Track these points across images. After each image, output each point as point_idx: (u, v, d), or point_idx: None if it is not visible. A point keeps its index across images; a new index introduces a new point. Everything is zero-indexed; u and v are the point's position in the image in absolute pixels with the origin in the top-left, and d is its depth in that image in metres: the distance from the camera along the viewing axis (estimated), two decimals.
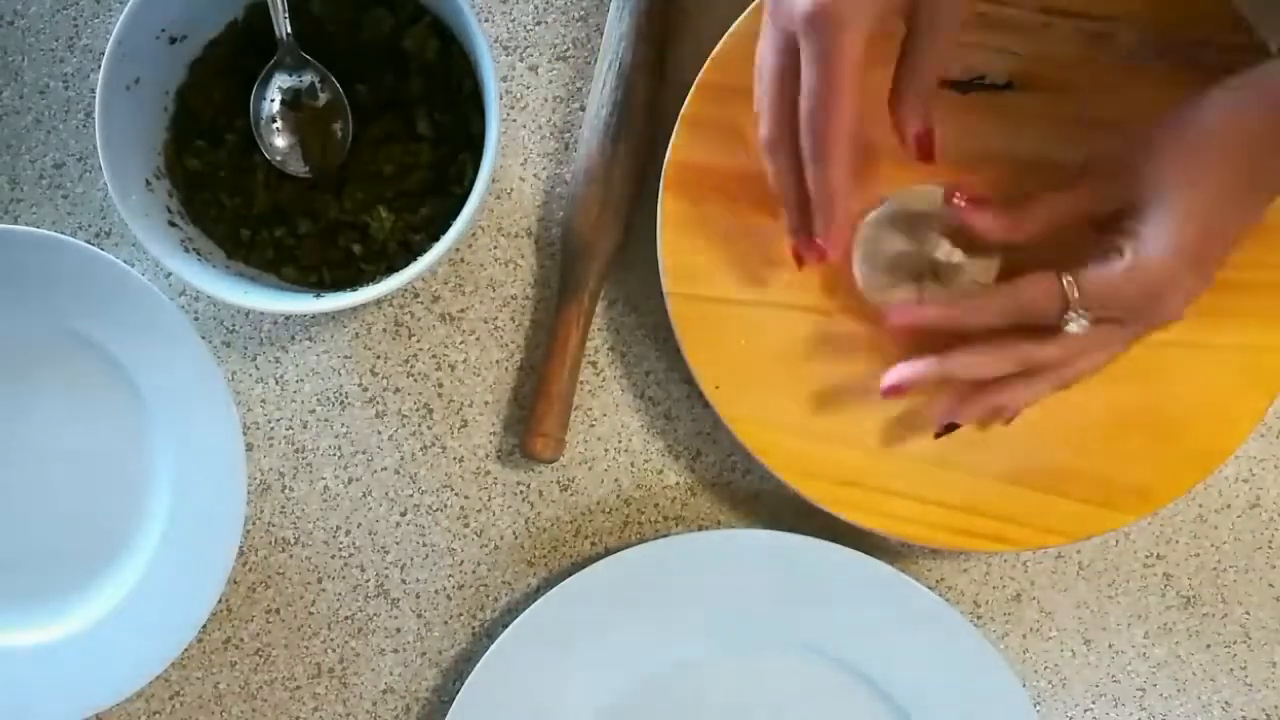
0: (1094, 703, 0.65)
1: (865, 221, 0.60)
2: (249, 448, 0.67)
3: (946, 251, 0.58)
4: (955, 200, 0.57)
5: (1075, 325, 0.54)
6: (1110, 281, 0.53)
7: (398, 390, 0.66)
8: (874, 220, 0.60)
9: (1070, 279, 0.54)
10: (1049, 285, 0.54)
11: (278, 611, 0.67)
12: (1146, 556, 0.65)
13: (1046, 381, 0.57)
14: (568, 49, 0.67)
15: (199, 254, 0.61)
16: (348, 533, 0.67)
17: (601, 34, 0.65)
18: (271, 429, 0.67)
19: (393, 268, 0.61)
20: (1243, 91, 0.53)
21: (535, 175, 0.67)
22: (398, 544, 0.66)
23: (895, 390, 0.58)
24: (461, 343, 0.66)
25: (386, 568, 0.66)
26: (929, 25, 0.53)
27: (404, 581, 0.66)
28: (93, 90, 0.60)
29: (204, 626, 0.65)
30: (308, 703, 0.67)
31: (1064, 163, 0.59)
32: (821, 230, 0.55)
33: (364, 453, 0.67)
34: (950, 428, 0.59)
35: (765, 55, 0.54)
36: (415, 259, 0.59)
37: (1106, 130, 0.59)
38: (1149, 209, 0.53)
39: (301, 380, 0.67)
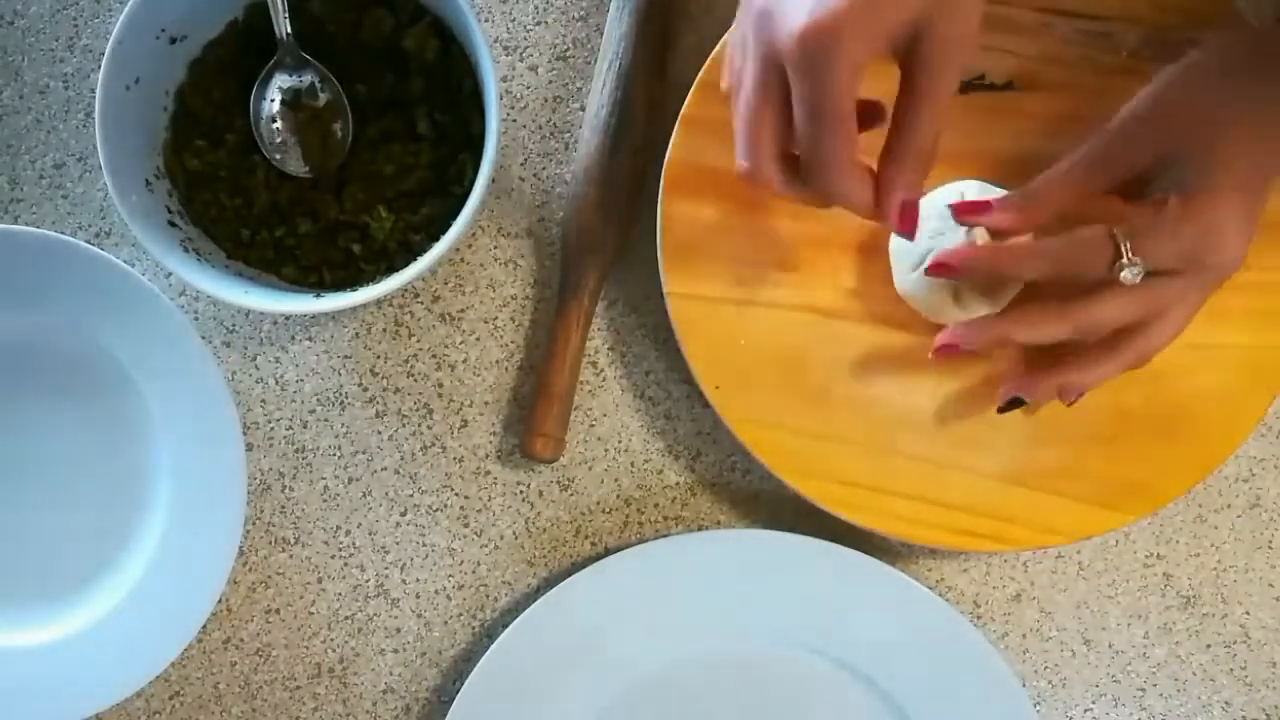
0: (1094, 703, 0.65)
1: None
2: (249, 448, 0.67)
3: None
4: (956, 211, 0.56)
5: (1128, 273, 0.52)
6: (1162, 225, 0.52)
7: (398, 390, 0.66)
8: None
9: (1120, 229, 0.52)
10: (1098, 232, 0.52)
11: (278, 611, 0.67)
12: (1146, 556, 0.65)
13: (1118, 356, 0.55)
14: (568, 49, 0.67)
15: (199, 254, 0.61)
16: (348, 533, 0.67)
17: (601, 34, 0.65)
18: (271, 429, 0.67)
19: (393, 268, 0.61)
20: (1232, 45, 0.53)
21: (535, 175, 0.67)
22: (398, 544, 0.66)
23: (948, 349, 0.57)
24: (461, 343, 0.66)
25: (386, 568, 0.66)
26: (929, 87, 0.48)
27: (404, 581, 0.66)
28: (93, 90, 0.60)
29: (204, 626, 0.65)
30: (308, 703, 0.67)
31: None
32: (877, 213, 0.52)
33: (364, 453, 0.67)
34: (1015, 403, 0.58)
35: (743, 77, 0.50)
36: (415, 259, 0.59)
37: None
38: (1186, 154, 0.52)
39: (301, 380, 0.67)
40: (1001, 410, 0.59)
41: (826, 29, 0.45)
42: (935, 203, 0.60)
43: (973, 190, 0.59)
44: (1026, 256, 0.55)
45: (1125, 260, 0.52)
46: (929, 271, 0.57)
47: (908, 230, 0.52)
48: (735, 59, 0.52)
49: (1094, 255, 0.53)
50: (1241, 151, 0.52)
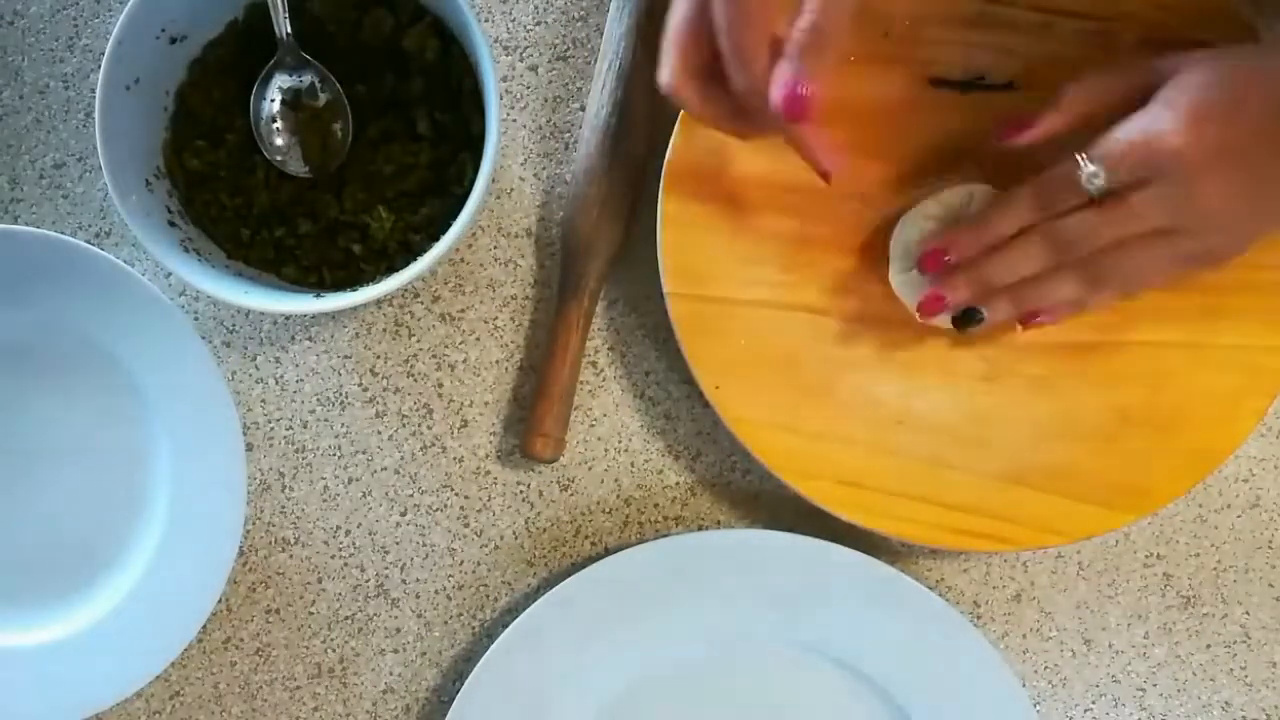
0: (1094, 703, 0.65)
1: (900, 223, 0.60)
2: (249, 448, 0.67)
3: None
4: (1001, 137, 0.56)
5: (1088, 172, 0.53)
6: (1125, 130, 0.53)
7: (398, 390, 0.66)
8: (908, 221, 0.60)
9: (1086, 150, 0.54)
10: (1066, 156, 0.54)
11: (278, 611, 0.67)
12: (1146, 556, 0.65)
13: (1080, 272, 0.56)
14: (568, 49, 0.67)
15: (199, 254, 0.61)
16: (348, 533, 0.67)
17: (601, 34, 0.65)
18: (271, 429, 0.67)
19: (393, 268, 0.61)
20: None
21: (535, 175, 0.67)
22: (398, 544, 0.66)
23: (934, 303, 0.57)
24: (461, 343, 0.66)
25: (386, 568, 0.66)
26: None
27: (404, 581, 0.66)
28: (93, 90, 0.60)
29: (204, 626, 0.65)
30: (308, 703, 0.67)
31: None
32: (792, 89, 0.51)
33: (364, 453, 0.67)
34: (970, 317, 0.58)
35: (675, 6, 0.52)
36: (415, 259, 0.59)
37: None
38: (1169, 82, 0.53)
39: (301, 380, 0.67)
40: (958, 324, 0.58)
41: None
42: (936, 204, 0.60)
43: (980, 194, 0.59)
44: (1006, 209, 0.56)
45: (1086, 164, 0.53)
46: (921, 265, 0.57)
47: (795, 115, 0.50)
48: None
49: (1064, 181, 0.54)
50: (1216, 87, 0.53)
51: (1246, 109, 0.52)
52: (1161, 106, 0.53)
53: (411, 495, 0.66)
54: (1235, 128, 0.52)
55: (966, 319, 0.58)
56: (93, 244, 0.63)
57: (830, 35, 0.50)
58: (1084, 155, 0.53)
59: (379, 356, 0.67)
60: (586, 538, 0.66)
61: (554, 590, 0.63)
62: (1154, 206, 0.53)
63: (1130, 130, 0.53)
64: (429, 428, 0.66)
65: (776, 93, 0.50)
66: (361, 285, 0.61)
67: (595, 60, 0.66)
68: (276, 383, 0.67)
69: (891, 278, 0.60)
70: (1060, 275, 0.56)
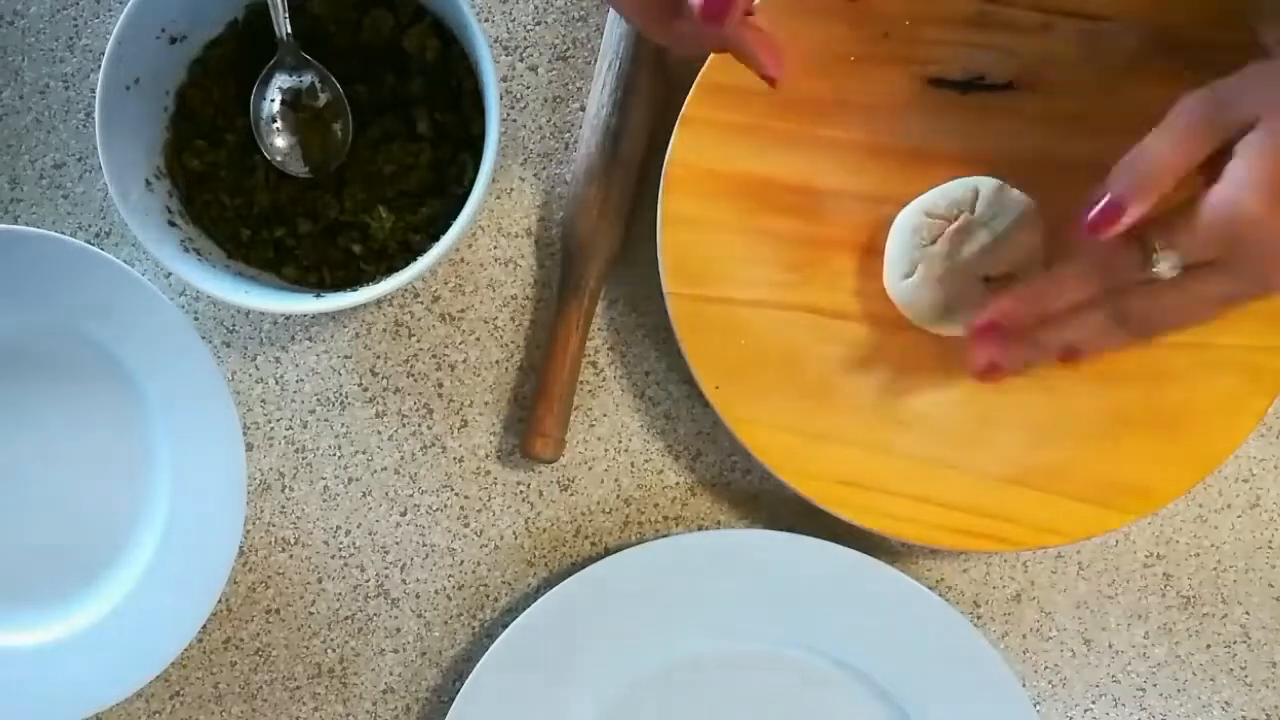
0: (1094, 703, 0.65)
1: (896, 222, 0.60)
2: (249, 448, 0.67)
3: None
4: (1089, 228, 0.51)
5: (1164, 264, 0.50)
6: (1193, 214, 0.49)
7: (398, 390, 0.66)
8: (904, 218, 0.60)
9: (1150, 229, 0.50)
10: (1127, 234, 0.50)
11: (278, 611, 0.67)
12: (1146, 556, 0.65)
13: (1135, 328, 0.53)
14: (568, 49, 0.67)
15: (199, 254, 0.61)
16: (348, 533, 0.67)
17: (601, 34, 0.65)
18: (271, 429, 0.67)
19: (393, 268, 0.61)
20: None
21: (535, 175, 0.67)
22: (398, 544, 0.66)
23: (992, 371, 0.55)
24: (461, 343, 0.66)
25: (386, 568, 0.66)
26: None
27: (404, 581, 0.66)
28: (93, 90, 0.60)
29: (204, 626, 0.65)
30: (308, 703, 0.67)
31: (1064, 162, 0.59)
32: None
33: (364, 453, 0.67)
34: (994, 370, 0.55)
35: None
36: (415, 259, 0.59)
37: (1109, 131, 0.59)
38: (1243, 142, 0.48)
39: (301, 380, 0.67)
40: (984, 377, 0.55)
41: None
42: (941, 196, 0.59)
43: (988, 187, 0.58)
44: (1059, 283, 0.53)
45: (1158, 255, 0.50)
46: (978, 337, 0.54)
47: (711, 15, 0.46)
48: None
49: (1125, 254, 0.51)
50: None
51: None
52: (1238, 176, 0.49)
53: (411, 495, 0.66)
54: None
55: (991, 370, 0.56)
56: (93, 244, 0.63)
57: None
58: (1159, 246, 0.50)
59: (379, 356, 0.67)
60: (586, 538, 0.66)
61: (554, 590, 0.63)
62: (1229, 284, 0.51)
63: (1207, 215, 0.49)
64: (429, 428, 0.66)
65: None
66: (361, 285, 0.61)
67: (595, 60, 0.66)
68: (276, 383, 0.67)
69: (887, 283, 0.60)
70: (1113, 330, 0.54)
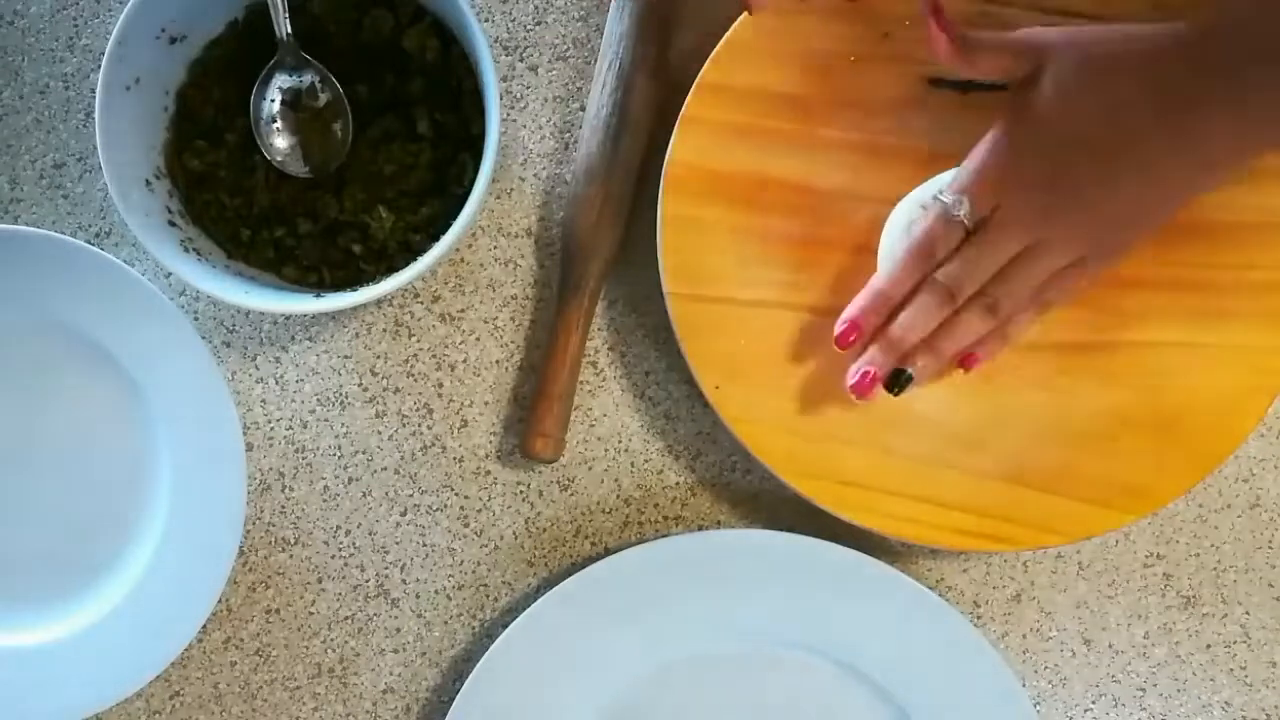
0: (1094, 703, 0.65)
1: (889, 218, 0.59)
2: (249, 448, 0.67)
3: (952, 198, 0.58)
4: (928, 14, 0.56)
5: (959, 209, 0.55)
6: (974, 158, 0.56)
7: (398, 390, 0.67)
8: (898, 215, 0.59)
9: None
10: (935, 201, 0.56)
11: (278, 611, 0.67)
12: (1146, 556, 0.65)
13: (980, 306, 0.57)
14: (568, 49, 0.67)
15: (199, 254, 0.61)
16: (348, 533, 0.67)
17: (601, 34, 0.65)
18: (271, 429, 0.67)
19: (393, 268, 0.61)
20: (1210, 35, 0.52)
21: (535, 175, 0.67)
22: (398, 544, 0.66)
23: (863, 381, 0.58)
24: (461, 343, 0.66)
25: (386, 568, 0.66)
26: None
27: (404, 581, 0.66)
28: (93, 90, 0.60)
29: (204, 626, 0.65)
30: (308, 703, 0.67)
31: None
32: None
33: (364, 453, 0.67)
34: (897, 379, 0.58)
35: None
36: (415, 259, 0.59)
37: None
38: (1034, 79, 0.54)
39: (301, 380, 0.67)
40: (890, 388, 0.58)
41: None
42: (918, 200, 0.59)
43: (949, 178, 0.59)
44: (894, 271, 0.58)
45: (950, 198, 0.56)
46: (837, 344, 0.59)
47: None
48: None
49: (940, 224, 0.57)
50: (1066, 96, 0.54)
51: (1094, 100, 0.53)
52: (1007, 125, 0.56)
53: (411, 495, 0.66)
54: (1077, 120, 0.54)
55: (895, 382, 0.58)
56: (93, 244, 0.63)
57: None
58: (943, 192, 0.56)
59: (379, 356, 0.67)
60: (586, 538, 0.66)
61: (554, 590, 0.63)
62: (1012, 225, 0.56)
63: (977, 157, 0.56)
64: (429, 428, 0.66)
65: None
66: (361, 285, 0.61)
67: (595, 60, 0.66)
68: (276, 383, 0.67)
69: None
70: (964, 315, 0.57)
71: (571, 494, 0.66)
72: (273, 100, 0.63)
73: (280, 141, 0.63)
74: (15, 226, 0.62)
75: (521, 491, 0.66)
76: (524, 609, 0.63)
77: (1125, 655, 0.65)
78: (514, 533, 0.66)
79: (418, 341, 0.67)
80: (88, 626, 0.65)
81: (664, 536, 0.64)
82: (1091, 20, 0.60)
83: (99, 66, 0.59)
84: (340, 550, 0.67)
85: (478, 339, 0.66)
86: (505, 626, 0.64)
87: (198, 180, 0.63)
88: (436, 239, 0.59)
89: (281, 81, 0.62)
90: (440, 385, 0.66)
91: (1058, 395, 0.61)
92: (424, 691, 0.67)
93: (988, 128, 0.60)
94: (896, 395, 0.58)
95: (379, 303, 0.66)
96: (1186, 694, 0.65)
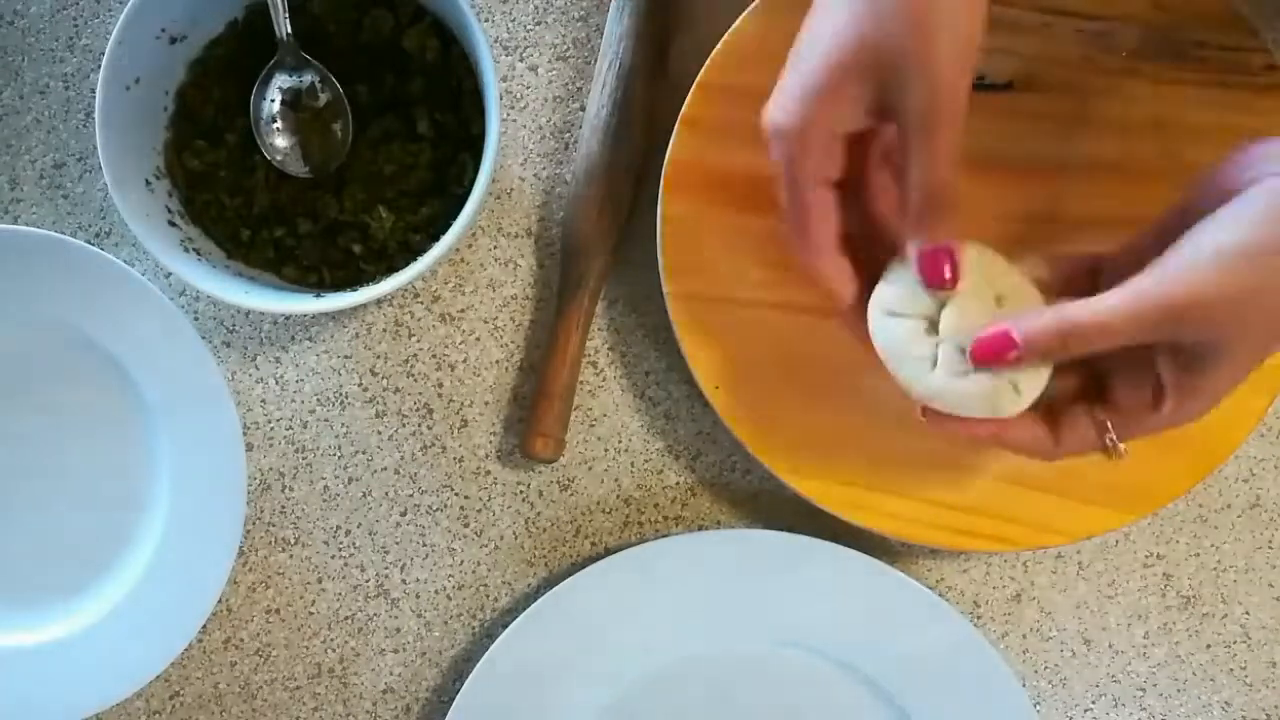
0: (1094, 703, 0.65)
1: (875, 333, 0.52)
2: (249, 448, 0.67)
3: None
4: (975, 355, 0.49)
5: (1117, 452, 0.51)
6: (1149, 429, 0.50)
7: (398, 390, 0.66)
8: (886, 327, 0.52)
9: (1111, 435, 0.50)
10: (1086, 434, 0.50)
11: (278, 611, 0.67)
12: (1146, 556, 0.65)
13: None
14: (568, 49, 0.67)
15: (199, 254, 0.61)
16: (348, 533, 0.67)
17: (601, 34, 0.65)
18: (271, 429, 0.67)
19: (393, 268, 0.61)
20: None
21: (535, 175, 0.67)
22: (398, 544, 0.66)
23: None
24: (461, 343, 0.66)
25: (386, 568, 0.66)
26: (920, 124, 0.45)
27: (404, 581, 0.66)
28: (93, 90, 0.60)
29: (204, 626, 0.65)
30: (308, 703, 0.67)
31: (1064, 163, 0.59)
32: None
33: (364, 453, 0.67)
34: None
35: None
36: (415, 259, 0.59)
37: (1109, 131, 0.58)
38: (1208, 362, 0.47)
39: (301, 380, 0.67)
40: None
41: (783, 131, 0.48)
42: (887, 306, 0.52)
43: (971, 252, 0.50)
44: (1019, 434, 0.51)
45: (1111, 445, 0.50)
46: (975, 358, 0.49)
47: (937, 281, 0.48)
48: None
49: (1083, 440, 0.50)
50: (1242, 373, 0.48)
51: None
52: (1199, 412, 0.50)
53: (411, 495, 0.66)
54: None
55: None
56: (93, 244, 0.63)
57: (939, 201, 0.46)
58: (1112, 439, 0.50)
59: (379, 356, 0.67)
60: (586, 538, 0.66)
61: (554, 590, 0.63)
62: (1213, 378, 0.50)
63: (1163, 428, 0.50)
64: (429, 428, 0.66)
65: (916, 249, 0.48)
66: (361, 285, 0.61)
67: (595, 60, 0.66)
68: (276, 383, 0.67)
69: (916, 393, 0.51)
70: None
71: (571, 494, 0.66)
72: (273, 100, 0.63)
73: (280, 141, 0.63)
74: (15, 226, 0.62)
75: (521, 491, 0.66)
76: (524, 609, 0.63)
77: (1125, 655, 0.65)
78: (514, 533, 0.66)
79: (418, 341, 0.67)
80: (88, 626, 0.65)
81: (664, 536, 0.64)
82: (1091, 20, 0.60)
83: (99, 66, 0.59)
84: (340, 550, 0.67)
85: (478, 339, 0.66)
86: (505, 626, 0.64)
87: (198, 180, 0.63)
88: (436, 239, 0.59)
89: (281, 81, 0.62)
90: (440, 385, 0.66)
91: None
92: (424, 691, 0.67)
93: (989, 126, 0.60)
94: None
95: (379, 303, 0.66)
96: (1186, 694, 0.65)
